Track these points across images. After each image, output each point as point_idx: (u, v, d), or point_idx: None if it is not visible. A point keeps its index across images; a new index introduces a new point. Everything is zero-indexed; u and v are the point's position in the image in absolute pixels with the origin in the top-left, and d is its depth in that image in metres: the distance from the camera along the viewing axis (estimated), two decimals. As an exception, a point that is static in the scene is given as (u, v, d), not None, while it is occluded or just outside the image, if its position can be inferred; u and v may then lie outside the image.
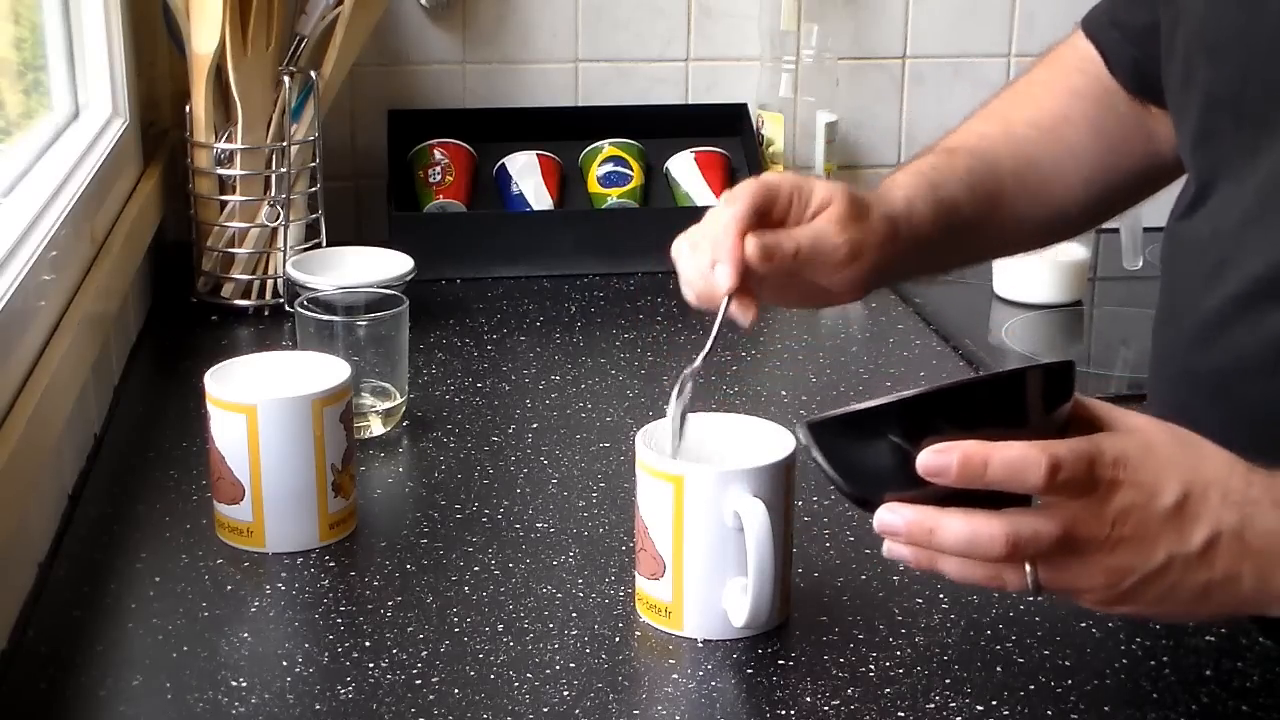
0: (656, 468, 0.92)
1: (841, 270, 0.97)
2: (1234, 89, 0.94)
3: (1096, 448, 0.76)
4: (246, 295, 1.52)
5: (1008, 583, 0.77)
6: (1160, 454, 0.77)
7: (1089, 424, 0.79)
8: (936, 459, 0.75)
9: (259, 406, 1.01)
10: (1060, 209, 1.11)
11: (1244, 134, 0.94)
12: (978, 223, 1.06)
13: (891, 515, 0.77)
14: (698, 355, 0.93)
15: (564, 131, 1.73)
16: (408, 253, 1.45)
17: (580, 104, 1.78)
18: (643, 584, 0.95)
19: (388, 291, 1.25)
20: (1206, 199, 0.98)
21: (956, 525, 0.75)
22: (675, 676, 0.90)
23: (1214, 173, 0.97)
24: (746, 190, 0.94)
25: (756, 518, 0.89)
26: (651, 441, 0.94)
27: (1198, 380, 0.96)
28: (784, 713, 0.86)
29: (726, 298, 0.92)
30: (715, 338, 0.92)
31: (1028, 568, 0.76)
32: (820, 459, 0.80)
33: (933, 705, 0.86)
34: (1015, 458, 0.74)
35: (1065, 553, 0.76)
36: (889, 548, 0.79)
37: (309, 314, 1.20)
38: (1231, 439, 0.81)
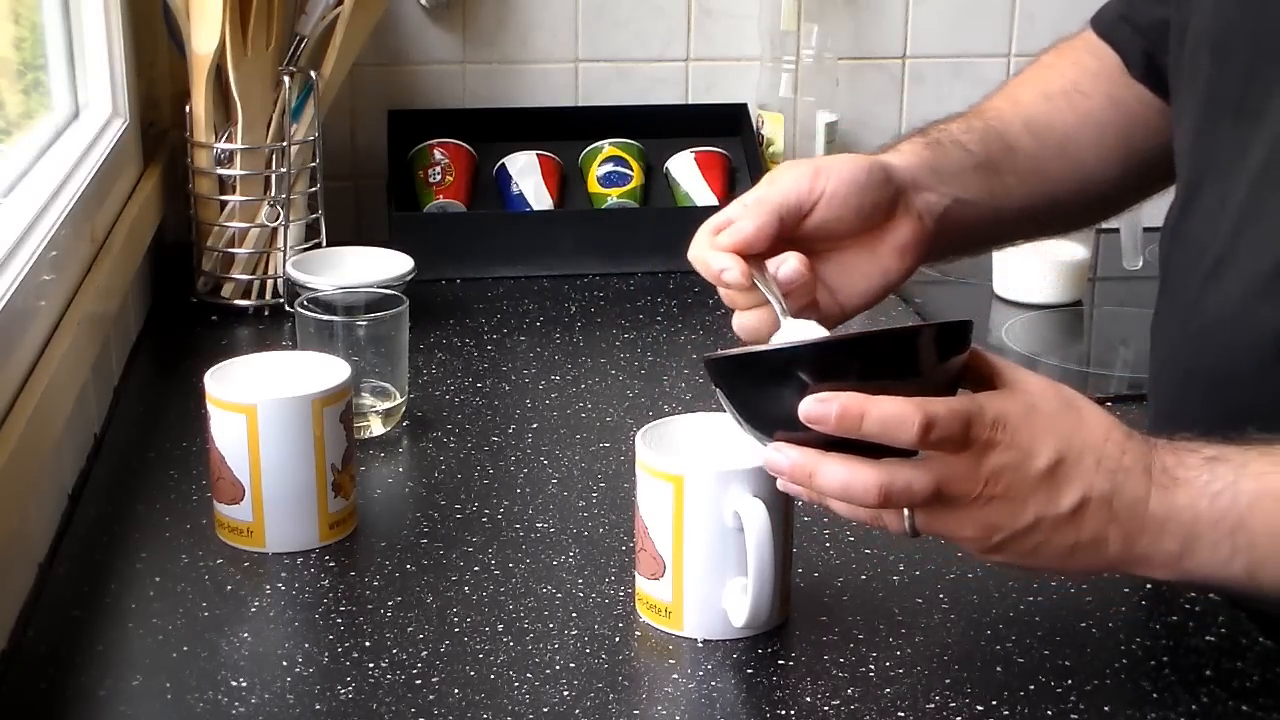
0: (656, 468, 0.92)
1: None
2: (1237, 88, 0.94)
3: (977, 407, 0.79)
4: (246, 295, 1.52)
5: (888, 524, 0.81)
6: (1041, 416, 0.80)
7: (986, 381, 0.82)
8: (817, 408, 0.78)
9: (259, 406, 1.01)
10: (1089, 175, 1.09)
11: (1239, 131, 0.94)
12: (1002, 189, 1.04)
13: (778, 455, 0.81)
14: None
15: (564, 131, 1.73)
16: (408, 253, 1.45)
17: (580, 104, 1.78)
18: (643, 584, 0.95)
19: (388, 291, 1.25)
20: (1201, 197, 0.98)
21: (834, 471, 0.79)
22: (675, 676, 0.90)
23: (1209, 170, 0.97)
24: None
25: (757, 518, 0.89)
26: (652, 441, 0.94)
27: (1197, 380, 0.96)
28: (784, 713, 0.86)
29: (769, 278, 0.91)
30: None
31: (905, 513, 0.80)
32: (721, 395, 0.83)
33: (933, 705, 0.86)
34: (891, 414, 0.77)
35: (938, 505, 0.79)
36: (781, 484, 0.83)
37: (309, 314, 1.20)
38: (1231, 439, 0.81)
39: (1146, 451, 0.81)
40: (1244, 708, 0.86)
